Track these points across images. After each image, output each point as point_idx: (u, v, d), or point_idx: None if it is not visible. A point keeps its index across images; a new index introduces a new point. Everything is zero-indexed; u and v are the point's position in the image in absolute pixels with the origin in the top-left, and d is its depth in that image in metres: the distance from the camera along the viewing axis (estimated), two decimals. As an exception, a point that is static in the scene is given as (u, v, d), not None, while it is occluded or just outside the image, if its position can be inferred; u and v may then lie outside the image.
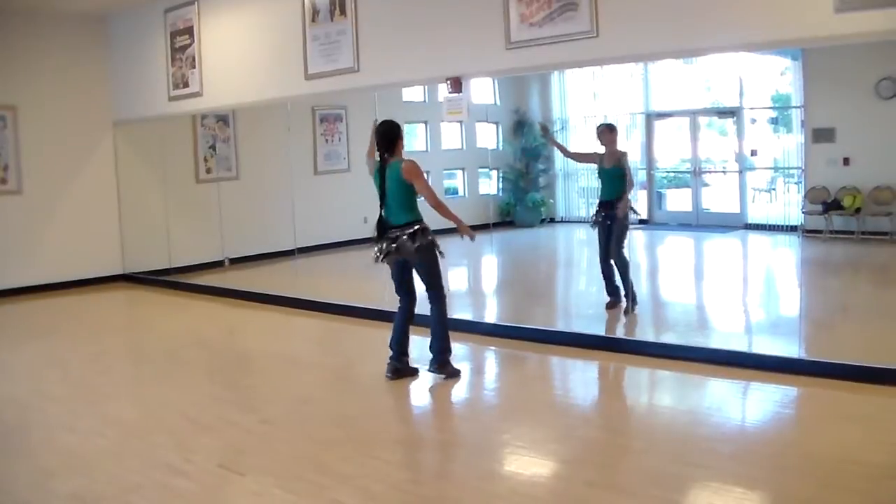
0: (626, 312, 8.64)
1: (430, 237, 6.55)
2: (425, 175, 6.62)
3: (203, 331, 9.25)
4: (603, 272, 8.80)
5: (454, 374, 6.73)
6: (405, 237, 6.47)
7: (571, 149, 10.74)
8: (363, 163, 6.79)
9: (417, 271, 6.69)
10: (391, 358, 6.73)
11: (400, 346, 6.75)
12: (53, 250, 11.80)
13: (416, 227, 6.50)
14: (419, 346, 6.96)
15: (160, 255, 12.18)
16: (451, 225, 6.57)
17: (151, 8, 11.26)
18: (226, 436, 5.56)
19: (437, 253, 6.62)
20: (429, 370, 6.72)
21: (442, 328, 6.70)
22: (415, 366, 6.84)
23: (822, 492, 4.29)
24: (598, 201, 8.85)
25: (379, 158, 6.59)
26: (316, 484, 4.68)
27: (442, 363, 6.70)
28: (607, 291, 8.80)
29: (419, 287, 6.78)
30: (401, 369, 6.72)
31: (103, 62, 12.22)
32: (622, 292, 8.71)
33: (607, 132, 8.69)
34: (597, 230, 8.76)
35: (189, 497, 4.55)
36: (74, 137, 11.99)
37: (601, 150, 8.70)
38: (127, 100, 12.05)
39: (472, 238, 6.79)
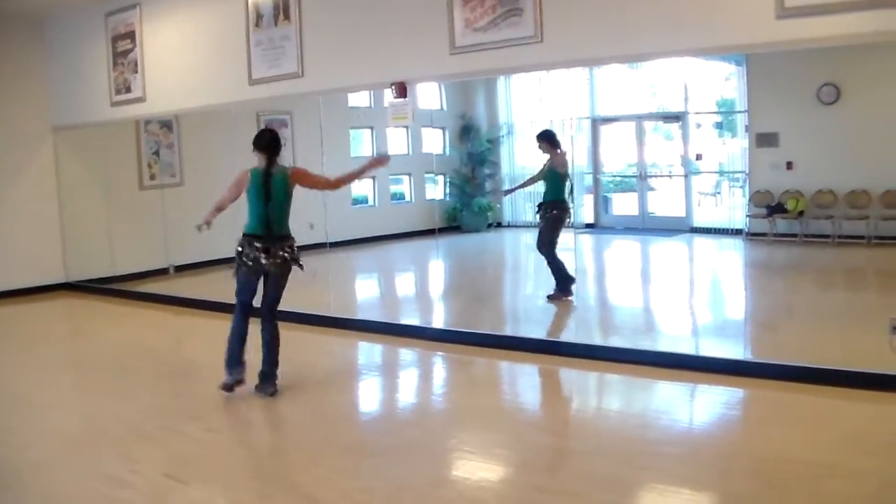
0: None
1: (297, 252, 6.47)
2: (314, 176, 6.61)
3: (148, 339, 9.12)
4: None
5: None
6: (288, 252, 6.36)
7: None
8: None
9: (272, 285, 6.44)
10: (238, 372, 6.42)
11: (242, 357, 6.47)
12: (-8, 258, 11.57)
13: (294, 243, 6.43)
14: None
15: (103, 262, 11.99)
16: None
17: (92, 12, 11.07)
18: (171, 445, 5.48)
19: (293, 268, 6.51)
20: (267, 393, 6.36)
21: (278, 347, 6.49)
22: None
23: (768, 491, 4.33)
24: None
25: (265, 165, 6.35)
26: (262, 493, 4.62)
27: (274, 381, 6.45)
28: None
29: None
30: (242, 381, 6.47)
31: (42, 66, 11.98)
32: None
33: (541, 141, 9.32)
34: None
35: (132, 508, 4.47)
36: (12, 143, 11.72)
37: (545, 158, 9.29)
38: (67, 105, 11.85)
39: (385, 162, 6.95)
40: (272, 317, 6.47)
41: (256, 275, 6.38)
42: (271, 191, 6.30)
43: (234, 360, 6.39)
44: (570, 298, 9.14)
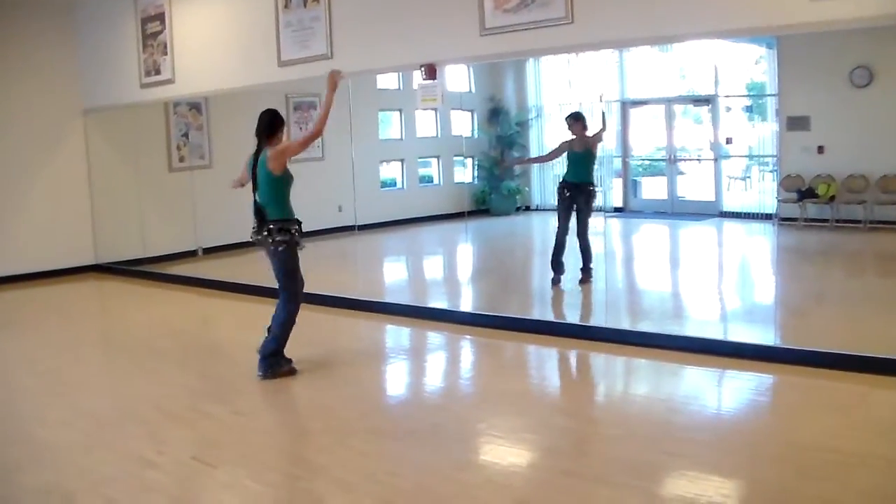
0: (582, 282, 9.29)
1: (288, 237, 6.36)
2: (292, 143, 6.53)
3: (176, 321, 9.17)
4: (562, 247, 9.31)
5: (291, 372, 6.50)
6: (267, 235, 6.33)
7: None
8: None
9: (273, 270, 6.50)
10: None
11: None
12: (23, 241, 11.64)
13: (278, 226, 6.31)
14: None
15: (133, 244, 12.06)
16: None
17: (122, -6, 11.13)
18: (198, 427, 5.51)
19: (295, 253, 6.45)
20: (261, 377, 6.39)
21: (282, 331, 6.44)
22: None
23: (798, 480, 4.29)
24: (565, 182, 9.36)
25: (257, 146, 6.41)
26: (289, 475, 4.64)
27: (272, 367, 6.42)
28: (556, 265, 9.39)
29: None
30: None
31: (72, 49, 12.04)
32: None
33: (573, 122, 9.25)
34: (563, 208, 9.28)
35: (161, 489, 4.49)
36: (43, 126, 11.81)
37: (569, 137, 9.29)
38: (97, 87, 11.90)
39: (337, 77, 7.00)
40: (280, 299, 6.52)
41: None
42: (257, 176, 6.37)
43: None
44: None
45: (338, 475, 4.59)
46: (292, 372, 6.47)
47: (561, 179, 9.41)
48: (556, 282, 9.38)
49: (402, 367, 7.09)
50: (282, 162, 6.28)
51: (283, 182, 6.36)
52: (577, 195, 9.16)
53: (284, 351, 6.48)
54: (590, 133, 9.26)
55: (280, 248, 6.32)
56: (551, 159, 10.01)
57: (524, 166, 14.42)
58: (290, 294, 6.46)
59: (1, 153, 11.44)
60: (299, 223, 6.42)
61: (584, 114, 9.48)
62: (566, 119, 9.37)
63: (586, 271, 9.29)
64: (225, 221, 12.19)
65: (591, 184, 9.25)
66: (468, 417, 5.60)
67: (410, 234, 14.06)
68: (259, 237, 6.37)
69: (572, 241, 9.18)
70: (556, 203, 9.37)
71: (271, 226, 6.29)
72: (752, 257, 11.93)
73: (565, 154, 9.32)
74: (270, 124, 6.44)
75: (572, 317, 8.43)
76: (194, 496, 4.50)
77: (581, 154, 9.19)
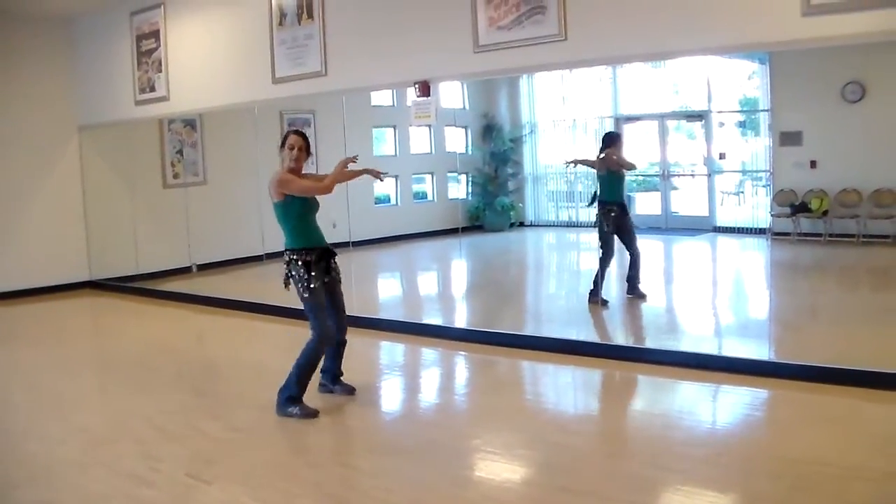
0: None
1: (294, 272, 5.88)
2: (296, 182, 5.90)
3: (170, 338, 9.16)
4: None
5: (308, 415, 5.89)
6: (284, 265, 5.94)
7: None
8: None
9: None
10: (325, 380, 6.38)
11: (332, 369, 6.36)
12: (18, 257, 11.65)
13: (291, 258, 5.90)
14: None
15: (127, 261, 12.06)
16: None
17: (117, 11, 11.14)
18: (193, 444, 5.49)
19: (303, 288, 5.88)
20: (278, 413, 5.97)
21: (297, 373, 5.92)
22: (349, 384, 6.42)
23: (793, 494, 4.30)
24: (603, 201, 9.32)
25: None
26: (284, 492, 4.62)
27: (281, 407, 5.95)
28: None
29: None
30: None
31: (67, 66, 12.09)
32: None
33: (609, 140, 9.46)
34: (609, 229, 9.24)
35: (155, 507, 4.48)
36: (38, 142, 11.85)
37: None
38: (93, 104, 11.92)
39: (380, 176, 6.60)
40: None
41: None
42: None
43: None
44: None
45: (333, 491, 4.58)
46: (308, 415, 5.89)
47: (604, 200, 9.29)
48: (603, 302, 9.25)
49: (396, 383, 7.09)
50: (279, 192, 5.83)
51: (285, 208, 5.90)
52: (622, 214, 9.28)
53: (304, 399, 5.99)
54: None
55: (287, 284, 5.98)
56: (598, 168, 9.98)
57: (518, 182, 14.44)
58: (313, 329, 5.95)
59: (-4, 169, 11.46)
60: (312, 251, 5.93)
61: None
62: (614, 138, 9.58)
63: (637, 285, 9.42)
64: (219, 238, 12.22)
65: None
66: (463, 433, 5.60)
67: (404, 250, 14.05)
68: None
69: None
70: (602, 225, 9.22)
71: (284, 257, 5.93)
72: (746, 272, 11.94)
73: (604, 173, 9.35)
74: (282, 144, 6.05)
75: (566, 333, 8.42)
76: (189, 513, 4.49)
77: (622, 173, 9.47)
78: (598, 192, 9.34)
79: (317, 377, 6.18)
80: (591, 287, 9.15)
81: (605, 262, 9.17)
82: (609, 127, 14.41)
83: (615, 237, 9.20)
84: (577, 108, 13.86)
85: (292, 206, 5.88)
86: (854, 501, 4.22)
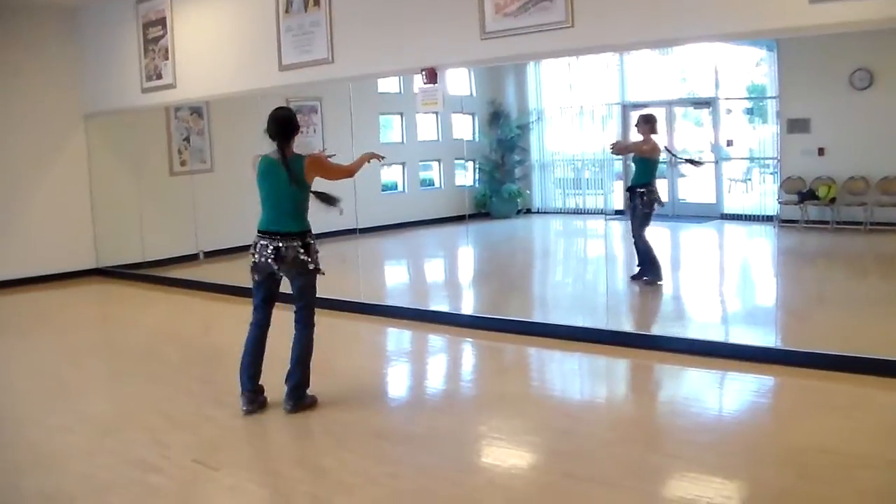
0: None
1: (316, 250, 5.77)
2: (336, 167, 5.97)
3: (177, 325, 9.18)
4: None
5: (313, 404, 5.89)
6: (297, 250, 5.65)
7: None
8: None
9: (297, 287, 5.84)
10: (249, 390, 5.82)
11: (257, 377, 5.88)
12: (25, 245, 11.67)
13: (311, 241, 5.74)
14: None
15: (134, 248, 12.08)
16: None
17: (123, -1, 11.16)
18: (200, 431, 5.51)
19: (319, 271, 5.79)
20: (287, 410, 5.73)
21: (308, 357, 5.85)
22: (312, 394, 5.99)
23: (799, 481, 4.29)
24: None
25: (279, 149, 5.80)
26: (291, 478, 4.64)
27: (300, 399, 5.80)
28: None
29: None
30: (264, 401, 5.92)
31: (74, 54, 12.09)
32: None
33: (642, 123, 9.69)
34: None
35: (163, 493, 4.49)
36: (45, 130, 11.87)
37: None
38: (99, 92, 11.93)
39: (380, 158, 6.31)
40: (298, 322, 5.94)
41: (268, 277, 5.88)
42: (272, 182, 5.90)
43: (248, 380, 5.90)
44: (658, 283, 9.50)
45: (339, 478, 4.59)
46: (314, 402, 5.91)
47: (645, 184, 9.55)
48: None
49: (403, 369, 7.10)
50: (312, 175, 5.74)
51: (308, 191, 5.79)
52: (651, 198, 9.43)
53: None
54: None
55: (312, 267, 5.74)
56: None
57: (525, 169, 14.42)
58: (313, 311, 5.93)
59: (3, 157, 11.47)
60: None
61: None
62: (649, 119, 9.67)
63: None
64: (226, 225, 12.21)
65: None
66: (470, 420, 5.61)
67: (411, 237, 14.05)
68: (285, 253, 5.67)
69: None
70: (644, 210, 9.51)
71: (300, 241, 5.68)
72: (754, 259, 11.93)
73: (644, 158, 9.64)
74: (291, 125, 5.90)
75: (574, 320, 8.42)
76: (197, 500, 4.49)
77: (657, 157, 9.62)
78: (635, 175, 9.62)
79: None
80: (643, 268, 9.49)
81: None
82: (616, 114, 14.39)
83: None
84: (584, 95, 13.84)
85: (309, 189, 5.79)
86: (860, 489, 4.21)
